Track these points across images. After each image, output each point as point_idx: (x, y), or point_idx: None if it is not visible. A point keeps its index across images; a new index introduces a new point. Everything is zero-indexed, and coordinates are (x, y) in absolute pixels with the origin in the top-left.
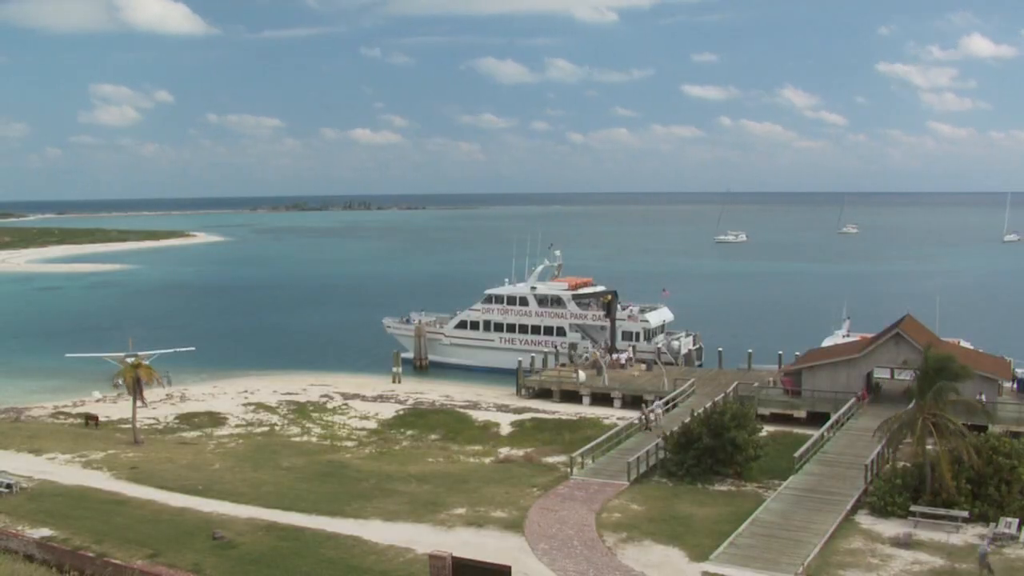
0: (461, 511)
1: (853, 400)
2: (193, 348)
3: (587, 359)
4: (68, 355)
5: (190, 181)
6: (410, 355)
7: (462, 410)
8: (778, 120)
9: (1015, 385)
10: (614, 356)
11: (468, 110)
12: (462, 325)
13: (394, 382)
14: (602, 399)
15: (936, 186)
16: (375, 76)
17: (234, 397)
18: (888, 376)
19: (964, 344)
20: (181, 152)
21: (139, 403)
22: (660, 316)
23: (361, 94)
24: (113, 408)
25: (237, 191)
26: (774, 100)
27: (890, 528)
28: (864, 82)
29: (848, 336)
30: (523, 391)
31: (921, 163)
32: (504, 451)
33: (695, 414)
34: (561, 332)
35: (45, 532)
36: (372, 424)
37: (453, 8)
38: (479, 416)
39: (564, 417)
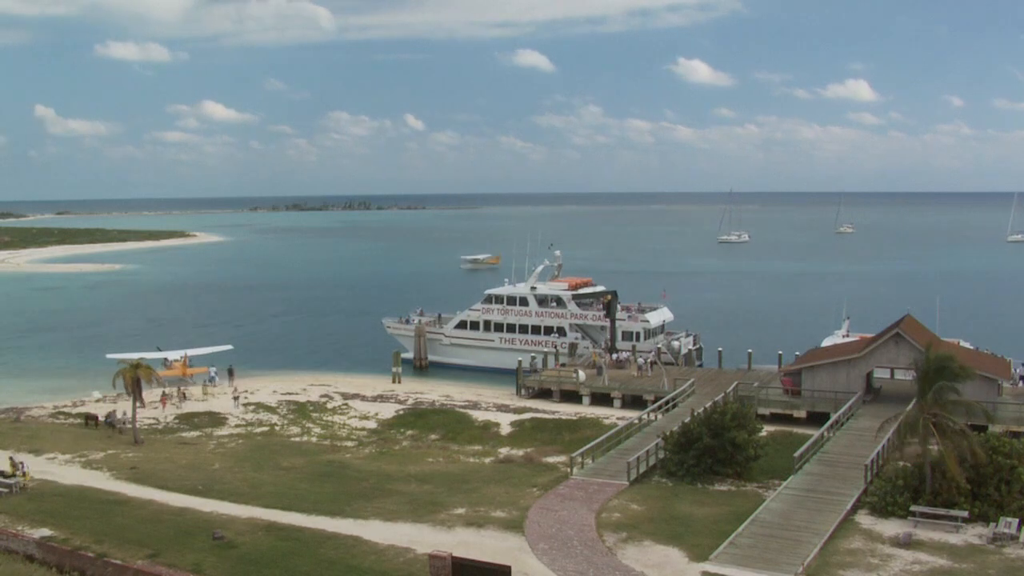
0: (461, 511)
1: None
2: (231, 347)
3: (588, 360)
4: (109, 356)
5: (280, 179)
6: (410, 355)
7: (462, 410)
8: (828, 119)
9: (1021, 383)
10: (614, 356)
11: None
12: (462, 325)
13: (394, 382)
14: (602, 399)
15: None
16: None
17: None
18: (888, 376)
19: (964, 344)
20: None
21: (138, 404)
22: (660, 316)
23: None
24: (113, 408)
25: (336, 189)
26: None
27: (890, 528)
28: (920, 82)
29: (848, 336)
30: (523, 391)
31: (961, 162)
32: (504, 451)
33: (695, 414)
34: (561, 332)
35: (45, 532)
36: (372, 424)
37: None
38: (479, 416)
39: (564, 417)
